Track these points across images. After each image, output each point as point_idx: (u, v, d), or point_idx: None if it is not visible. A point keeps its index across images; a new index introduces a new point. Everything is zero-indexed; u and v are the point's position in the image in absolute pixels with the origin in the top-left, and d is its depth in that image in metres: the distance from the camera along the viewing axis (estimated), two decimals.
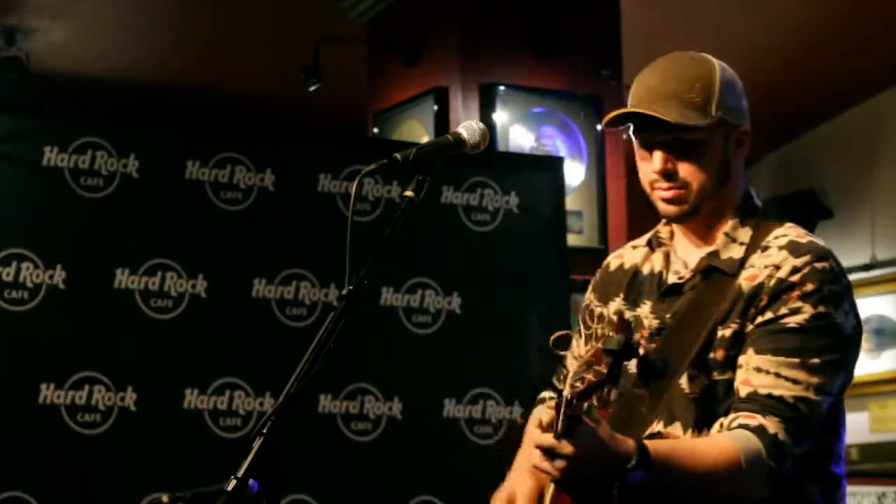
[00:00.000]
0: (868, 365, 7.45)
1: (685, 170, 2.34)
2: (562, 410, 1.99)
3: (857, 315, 2.33)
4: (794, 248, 2.29)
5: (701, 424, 2.27)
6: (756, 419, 2.19)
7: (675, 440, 2.24)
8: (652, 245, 2.49)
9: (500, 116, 5.74)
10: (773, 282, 2.27)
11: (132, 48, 6.87)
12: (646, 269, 2.48)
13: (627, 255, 2.55)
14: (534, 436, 2.06)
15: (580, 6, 5.84)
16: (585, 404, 2.00)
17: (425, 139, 5.57)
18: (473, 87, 5.71)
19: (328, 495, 4.44)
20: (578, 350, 2.55)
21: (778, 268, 2.27)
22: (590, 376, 2.02)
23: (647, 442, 2.11)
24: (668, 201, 2.36)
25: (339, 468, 4.46)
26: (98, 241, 4.40)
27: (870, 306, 7.49)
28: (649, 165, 2.36)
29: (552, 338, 2.17)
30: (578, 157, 5.95)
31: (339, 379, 4.53)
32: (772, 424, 2.19)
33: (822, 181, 7.84)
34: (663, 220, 2.48)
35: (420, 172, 2.25)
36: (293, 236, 4.60)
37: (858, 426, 7.52)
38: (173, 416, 4.36)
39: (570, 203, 5.62)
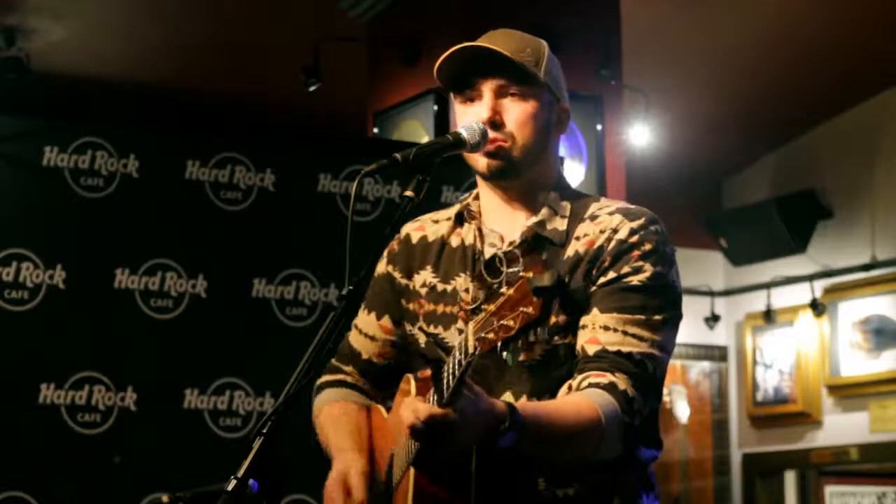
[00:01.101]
0: (868, 365, 7.45)
1: (512, 121, 2.34)
2: (458, 370, 1.92)
3: (679, 280, 2.37)
4: (626, 213, 2.34)
5: (539, 391, 2.26)
6: (606, 377, 2.19)
7: (536, 402, 2.21)
8: (462, 218, 2.46)
9: None
10: (612, 244, 2.30)
11: (132, 48, 6.87)
12: (454, 242, 2.44)
13: (429, 228, 2.51)
14: (418, 407, 1.98)
15: (580, 6, 5.84)
16: (505, 354, 1.93)
17: (425, 139, 5.57)
18: None
19: None
20: (365, 325, 2.53)
21: (616, 231, 2.31)
22: (510, 322, 1.92)
23: (514, 403, 2.08)
24: (490, 154, 2.34)
25: None
26: (98, 241, 4.40)
27: (870, 306, 7.49)
28: (475, 114, 2.34)
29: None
30: (578, 157, 5.95)
31: None
32: (621, 381, 2.19)
33: (822, 181, 7.84)
34: (473, 194, 2.46)
35: (420, 172, 2.24)
36: (293, 236, 4.60)
37: (858, 426, 7.52)
38: (173, 416, 4.36)
39: None
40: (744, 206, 8.11)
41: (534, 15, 5.59)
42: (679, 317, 2.32)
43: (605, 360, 2.21)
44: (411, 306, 2.46)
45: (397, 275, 2.50)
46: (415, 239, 2.51)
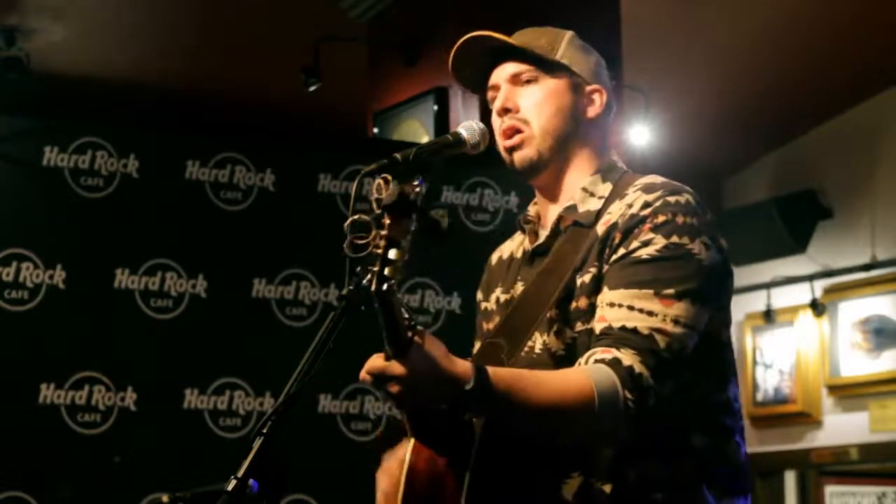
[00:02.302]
0: (868, 365, 7.45)
1: (525, 105, 2.33)
2: (383, 319, 1.92)
3: (721, 250, 2.25)
4: (647, 188, 2.26)
5: None
6: (610, 352, 2.11)
7: (517, 371, 2.13)
8: (521, 227, 2.46)
9: None
10: (624, 219, 2.23)
11: (132, 48, 6.86)
12: (518, 254, 2.45)
13: (505, 247, 2.54)
14: (369, 360, 2.01)
15: (580, 6, 5.83)
16: (386, 286, 1.91)
17: (425, 139, 5.56)
18: None
19: (328, 495, 4.44)
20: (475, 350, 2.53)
21: (630, 206, 2.24)
22: (378, 250, 1.93)
23: (489, 368, 2.03)
24: (511, 149, 2.33)
25: (339, 468, 4.46)
26: (98, 241, 4.41)
27: (870, 306, 7.48)
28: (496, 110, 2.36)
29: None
30: None
31: (339, 379, 4.53)
32: (627, 356, 2.10)
33: (822, 181, 7.83)
34: (534, 201, 2.45)
35: (420, 172, 2.24)
36: (293, 236, 4.61)
37: (858, 426, 7.51)
38: (173, 416, 4.37)
39: None
40: (744, 206, 8.10)
41: (533, 15, 5.57)
42: (706, 290, 2.19)
43: (610, 336, 2.15)
44: (489, 325, 2.47)
45: (482, 299, 2.54)
46: (494, 261, 2.55)
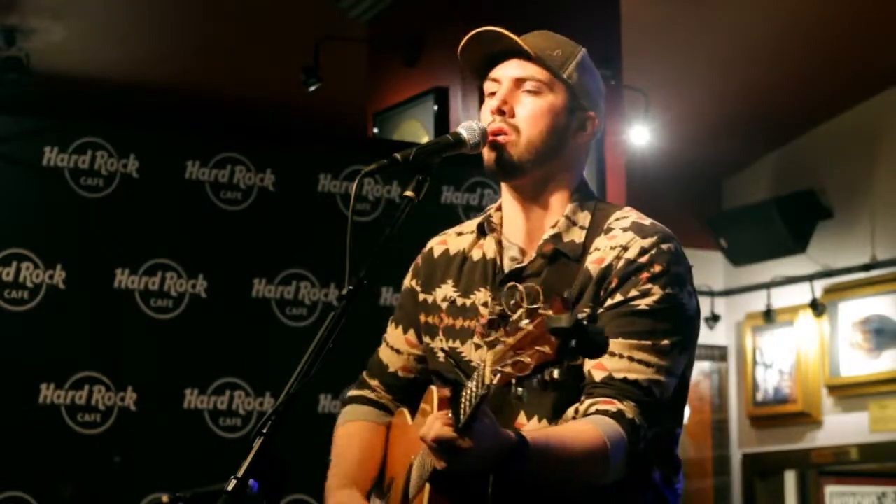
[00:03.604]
0: (868, 365, 7.45)
1: (521, 114, 2.32)
2: (475, 400, 1.92)
3: (696, 296, 2.33)
4: (639, 230, 2.29)
5: (550, 414, 2.25)
6: (614, 404, 2.17)
7: (545, 430, 2.20)
8: (483, 230, 2.43)
9: None
10: (621, 263, 2.25)
11: (132, 48, 6.87)
12: (475, 256, 2.42)
13: (452, 242, 2.49)
14: (434, 426, 2.00)
15: (580, 6, 5.84)
16: (520, 390, 1.91)
17: (425, 139, 5.57)
18: (473, 87, 5.71)
19: None
20: (392, 339, 2.54)
21: (626, 249, 2.26)
22: (527, 360, 1.89)
23: (524, 433, 2.09)
24: (491, 146, 2.32)
25: None
26: (98, 241, 4.41)
27: (870, 306, 7.48)
28: (490, 105, 2.35)
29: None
30: None
31: (337, 379, 4.53)
32: (629, 409, 2.17)
33: (822, 181, 7.83)
34: (497, 204, 2.44)
35: (420, 172, 2.24)
36: (293, 236, 4.61)
37: (858, 426, 7.51)
38: (173, 416, 4.37)
39: None
40: (744, 206, 8.10)
41: (533, 15, 5.58)
42: (688, 340, 2.29)
43: (612, 387, 2.19)
44: (431, 320, 2.44)
45: (419, 289, 2.49)
46: (437, 253, 2.49)
